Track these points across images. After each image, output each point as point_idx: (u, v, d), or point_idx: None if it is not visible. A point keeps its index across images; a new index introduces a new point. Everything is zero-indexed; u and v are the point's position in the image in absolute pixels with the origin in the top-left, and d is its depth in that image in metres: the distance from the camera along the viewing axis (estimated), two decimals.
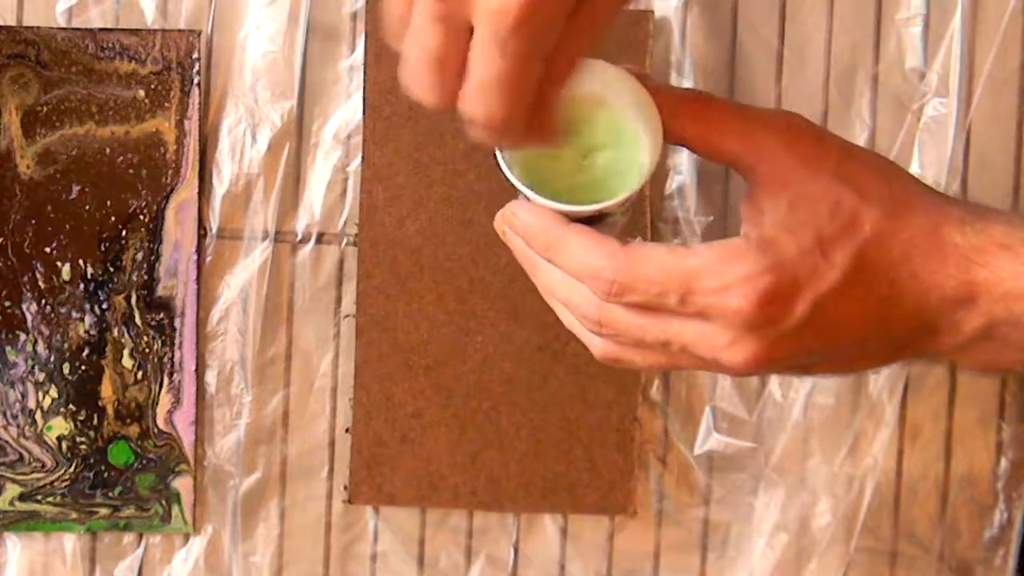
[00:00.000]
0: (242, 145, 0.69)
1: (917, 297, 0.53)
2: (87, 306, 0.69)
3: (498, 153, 0.55)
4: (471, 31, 0.48)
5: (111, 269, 0.69)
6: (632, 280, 0.53)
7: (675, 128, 0.55)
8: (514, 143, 0.53)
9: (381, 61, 0.68)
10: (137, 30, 0.69)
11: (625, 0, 0.51)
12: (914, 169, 0.69)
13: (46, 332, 0.69)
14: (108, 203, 0.69)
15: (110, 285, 0.69)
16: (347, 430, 0.70)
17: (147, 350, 0.69)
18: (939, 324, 0.54)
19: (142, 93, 0.69)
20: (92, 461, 0.70)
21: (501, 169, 0.55)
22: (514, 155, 0.56)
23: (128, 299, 0.69)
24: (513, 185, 0.55)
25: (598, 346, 0.57)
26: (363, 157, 0.69)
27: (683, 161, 0.69)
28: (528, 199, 0.55)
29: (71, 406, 0.69)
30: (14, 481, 0.69)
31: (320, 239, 0.70)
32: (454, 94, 0.49)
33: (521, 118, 0.50)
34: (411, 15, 0.49)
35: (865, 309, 0.53)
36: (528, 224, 0.55)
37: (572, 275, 0.55)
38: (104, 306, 0.69)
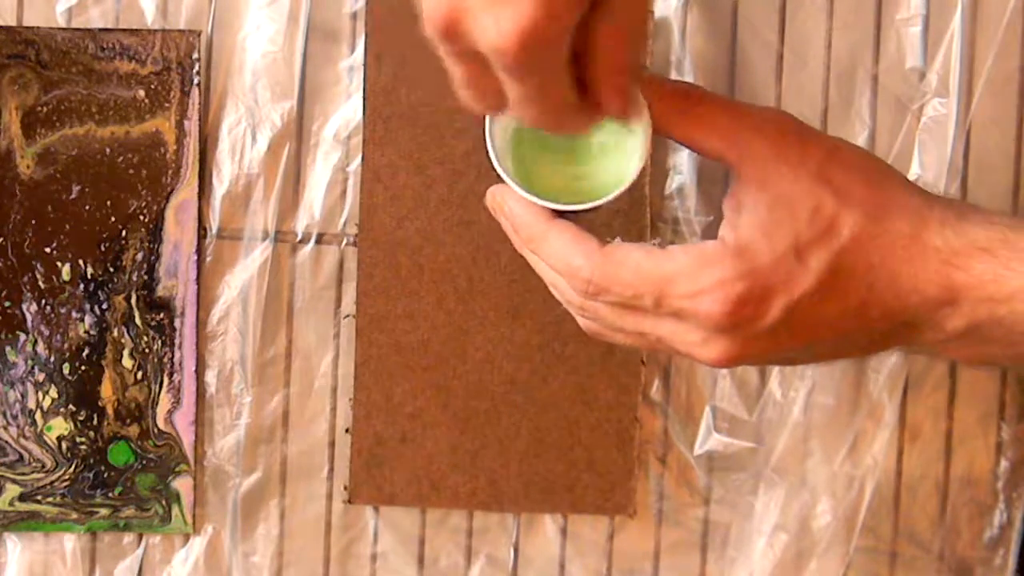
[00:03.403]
0: (242, 145, 0.69)
1: (896, 299, 0.53)
2: (87, 306, 0.69)
3: (489, 146, 0.55)
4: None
5: (111, 269, 0.69)
6: (607, 282, 0.54)
7: (662, 122, 0.55)
8: (588, 122, 0.54)
9: (381, 61, 0.68)
10: (137, 30, 0.69)
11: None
12: (914, 169, 0.69)
13: (46, 332, 0.69)
14: (108, 203, 0.69)
15: (110, 285, 0.69)
16: (347, 430, 0.70)
17: (147, 350, 0.69)
18: (920, 322, 0.54)
19: (142, 93, 0.69)
20: (92, 461, 0.70)
21: (491, 162, 0.55)
22: (507, 146, 0.56)
23: (128, 299, 0.69)
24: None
25: (582, 323, 0.58)
26: (363, 157, 0.69)
27: (683, 161, 0.69)
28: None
29: (71, 406, 0.69)
30: (14, 481, 0.69)
31: (320, 239, 0.70)
32: (497, 102, 0.51)
33: (573, 105, 0.51)
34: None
35: (842, 311, 0.53)
36: (515, 215, 0.57)
37: (552, 270, 0.56)
38: (104, 306, 0.69)
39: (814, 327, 0.54)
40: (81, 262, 0.69)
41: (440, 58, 0.51)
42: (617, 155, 0.57)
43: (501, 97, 0.51)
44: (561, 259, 0.55)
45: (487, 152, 0.55)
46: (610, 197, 0.55)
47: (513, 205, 0.57)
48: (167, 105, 0.69)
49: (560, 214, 0.56)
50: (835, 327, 0.54)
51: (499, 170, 0.55)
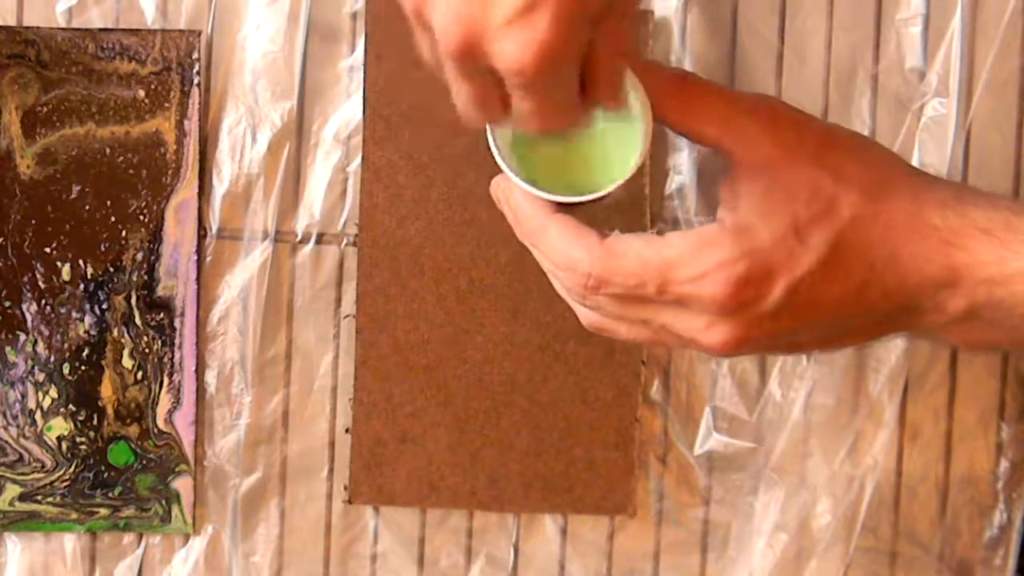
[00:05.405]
0: (242, 145, 0.69)
1: (898, 279, 0.53)
2: (87, 306, 0.69)
3: (490, 139, 0.55)
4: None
5: (111, 269, 0.69)
6: (609, 274, 0.54)
7: (658, 108, 0.55)
8: (584, 115, 0.54)
9: (381, 61, 0.68)
10: (137, 30, 0.69)
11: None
12: None
13: (46, 332, 0.69)
14: (108, 203, 0.69)
15: (110, 285, 0.69)
16: (347, 430, 0.70)
17: (147, 350, 0.69)
18: (921, 304, 0.54)
19: (142, 93, 0.69)
20: (92, 461, 0.70)
21: (493, 153, 0.55)
22: (509, 138, 0.56)
23: (128, 299, 0.69)
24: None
25: (583, 315, 0.58)
26: (363, 157, 0.69)
27: (683, 161, 0.69)
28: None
29: (71, 406, 0.69)
30: (14, 481, 0.69)
31: (320, 239, 0.70)
32: (501, 114, 0.51)
33: (573, 110, 0.51)
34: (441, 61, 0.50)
35: (843, 291, 0.53)
36: (518, 207, 0.57)
37: (553, 264, 0.56)
38: (104, 306, 0.69)
39: (816, 308, 0.54)
40: (81, 262, 0.69)
41: (438, 74, 0.51)
42: (618, 146, 0.57)
43: (505, 109, 0.51)
44: (561, 253, 0.55)
45: (488, 145, 0.55)
46: (611, 188, 0.55)
47: (516, 198, 0.57)
48: (167, 105, 0.69)
49: (562, 207, 0.56)
50: (837, 308, 0.54)
51: (501, 164, 0.55)
